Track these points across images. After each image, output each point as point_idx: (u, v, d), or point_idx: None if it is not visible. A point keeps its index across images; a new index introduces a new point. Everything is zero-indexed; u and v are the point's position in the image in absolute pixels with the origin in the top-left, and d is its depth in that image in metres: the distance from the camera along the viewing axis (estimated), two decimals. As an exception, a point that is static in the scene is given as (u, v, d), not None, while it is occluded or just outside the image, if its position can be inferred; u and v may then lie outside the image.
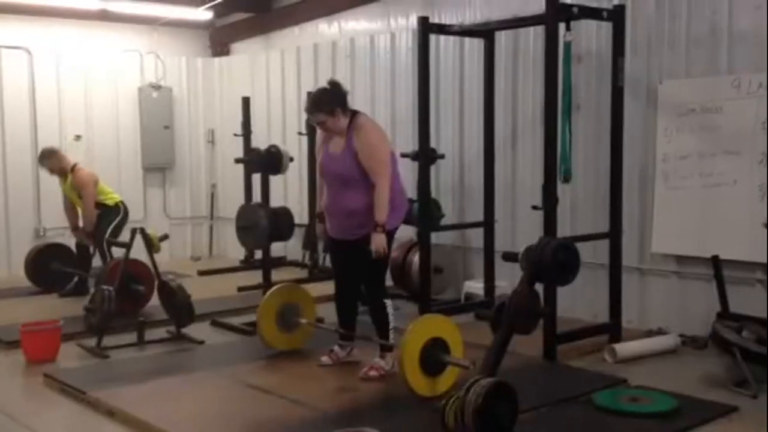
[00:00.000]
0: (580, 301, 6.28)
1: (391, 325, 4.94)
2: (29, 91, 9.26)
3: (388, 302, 4.96)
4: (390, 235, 4.86)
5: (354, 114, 4.85)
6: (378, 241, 4.68)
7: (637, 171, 6.03)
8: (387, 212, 4.70)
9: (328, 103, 4.77)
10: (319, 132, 5.08)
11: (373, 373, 4.84)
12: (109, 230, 7.38)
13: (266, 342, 5.45)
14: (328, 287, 5.64)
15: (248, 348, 5.88)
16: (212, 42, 10.87)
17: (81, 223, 7.64)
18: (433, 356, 4.41)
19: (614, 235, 5.65)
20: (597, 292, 6.05)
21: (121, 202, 7.68)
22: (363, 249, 4.73)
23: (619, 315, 5.69)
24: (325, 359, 5.15)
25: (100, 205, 7.49)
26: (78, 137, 9.58)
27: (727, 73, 5.56)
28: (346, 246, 4.94)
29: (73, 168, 7.52)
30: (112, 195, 7.66)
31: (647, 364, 5.20)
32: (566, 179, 5.34)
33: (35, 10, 9.01)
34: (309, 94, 5.17)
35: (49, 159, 7.60)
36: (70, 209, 7.72)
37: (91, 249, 7.55)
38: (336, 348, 5.18)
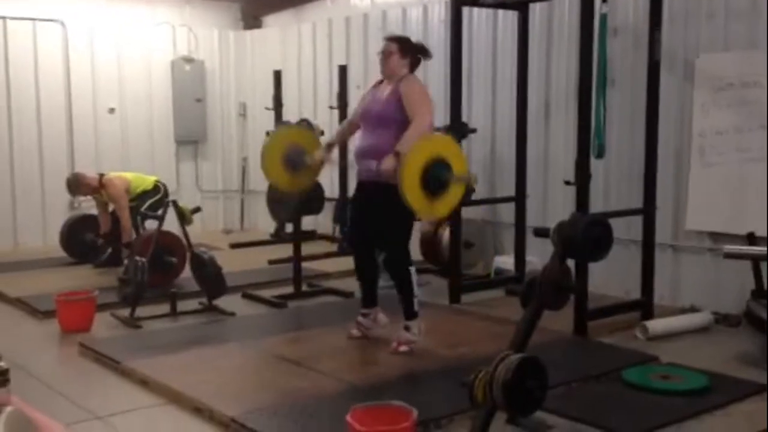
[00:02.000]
0: (612, 277, 6.23)
1: (416, 292, 4.92)
2: (63, 63, 9.34)
3: (412, 269, 4.92)
4: None
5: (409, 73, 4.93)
6: (388, 162, 4.60)
7: (673, 147, 5.94)
8: (410, 147, 4.59)
9: (408, 45, 4.96)
10: (365, 93, 5.16)
11: (403, 348, 4.84)
12: (146, 205, 7.45)
13: (273, 182, 5.43)
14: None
15: (278, 320, 5.94)
16: (244, 15, 10.85)
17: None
18: (435, 175, 4.41)
19: (648, 211, 5.59)
20: (629, 268, 5.99)
21: (158, 181, 7.75)
22: (388, 201, 4.65)
23: (652, 292, 5.64)
24: (354, 332, 5.16)
25: (142, 194, 7.55)
26: (112, 110, 9.67)
27: (767, 46, 5.44)
28: (371, 196, 4.87)
29: (101, 181, 7.52)
30: (148, 180, 7.71)
31: (679, 342, 5.15)
32: (600, 155, 5.28)
33: (69, -17, 9.06)
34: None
35: (78, 186, 7.62)
36: (104, 216, 7.76)
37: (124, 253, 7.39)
38: (360, 318, 5.17)
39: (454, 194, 4.56)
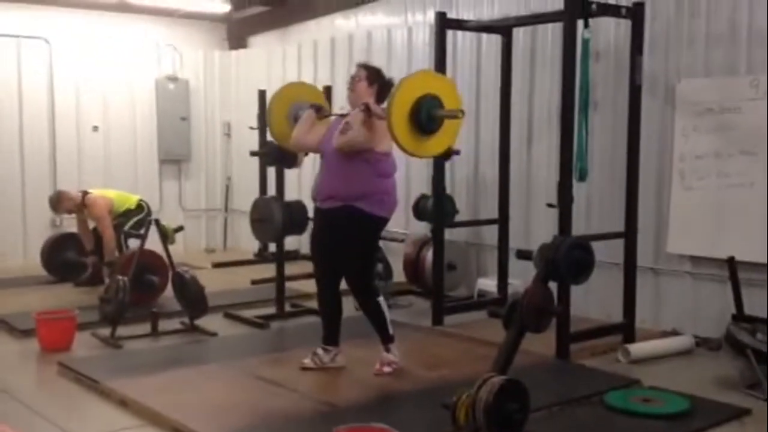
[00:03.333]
0: (593, 300, 6.26)
1: (388, 317, 4.86)
2: (47, 80, 9.33)
3: (381, 299, 4.85)
4: (376, 224, 4.76)
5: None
6: (357, 115, 4.55)
7: (654, 170, 5.99)
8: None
9: (377, 75, 4.89)
10: (330, 121, 5.05)
11: (386, 369, 4.82)
12: (130, 224, 7.42)
13: (277, 138, 5.29)
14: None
15: (260, 341, 5.91)
16: (229, 35, 10.90)
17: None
18: (425, 110, 4.22)
19: (629, 234, 5.63)
20: (611, 291, 6.02)
21: (142, 200, 7.73)
22: (350, 226, 4.62)
23: (633, 315, 5.66)
24: (307, 362, 4.93)
25: (125, 213, 7.52)
26: (95, 128, 9.65)
27: (746, 73, 5.51)
28: (332, 223, 4.75)
29: (84, 199, 7.47)
30: (131, 199, 7.69)
31: (661, 365, 5.17)
32: (582, 178, 5.32)
33: (54, 1, 9.05)
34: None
35: (60, 203, 7.57)
36: (85, 232, 7.72)
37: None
38: (320, 351, 4.94)
39: (447, 132, 4.37)
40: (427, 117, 4.24)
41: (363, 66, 4.97)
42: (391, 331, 4.87)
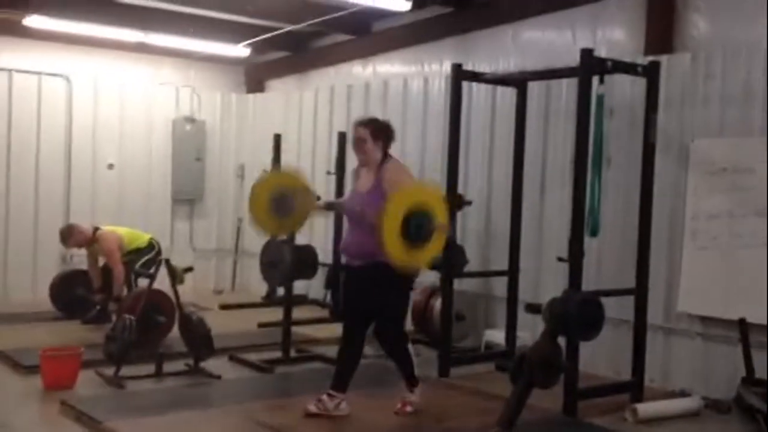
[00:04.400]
0: (602, 356, 6.19)
1: (415, 360, 4.94)
2: (66, 117, 9.44)
3: (409, 345, 4.95)
4: (408, 277, 4.83)
5: (387, 156, 4.89)
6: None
7: (666, 228, 5.97)
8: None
9: (379, 128, 4.88)
10: (352, 170, 5.13)
11: (408, 408, 4.88)
12: (140, 263, 7.44)
13: (259, 227, 5.22)
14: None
15: (264, 385, 5.86)
16: (247, 78, 11.03)
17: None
18: (416, 223, 4.32)
19: (640, 291, 5.58)
20: (620, 348, 5.95)
21: (152, 238, 7.76)
22: (381, 279, 4.64)
23: (642, 374, 5.59)
24: (311, 408, 4.84)
25: (136, 250, 7.54)
26: (111, 166, 9.72)
27: (760, 134, 5.52)
28: (362, 277, 4.81)
29: (95, 234, 7.53)
30: (142, 237, 7.73)
31: (669, 426, 5.09)
32: (594, 233, 5.30)
33: (76, 39, 9.20)
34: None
35: (71, 236, 7.63)
36: (95, 269, 7.76)
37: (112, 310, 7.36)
38: (325, 398, 4.85)
39: (435, 243, 4.49)
40: (417, 232, 4.35)
41: (362, 124, 4.91)
42: (416, 373, 4.94)
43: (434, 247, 4.52)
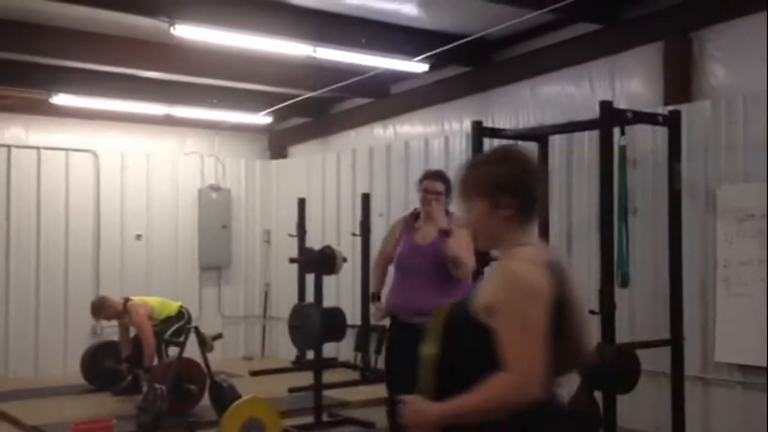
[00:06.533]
0: (640, 410, 6.05)
1: None
2: (94, 191, 9.58)
3: None
4: None
5: (449, 212, 4.82)
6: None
7: (698, 276, 5.89)
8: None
9: (449, 183, 4.74)
10: (396, 224, 5.05)
11: None
12: (170, 331, 7.44)
13: None
14: (379, 390, 5.55)
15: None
16: (271, 145, 11.18)
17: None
18: None
19: (675, 342, 5.47)
20: (658, 401, 5.83)
21: (182, 306, 7.79)
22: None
23: (683, 427, 5.44)
24: None
25: (166, 319, 7.58)
26: (138, 236, 9.82)
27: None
28: (415, 336, 4.71)
29: (125, 305, 7.59)
30: (172, 306, 7.76)
31: (714, 480, 4.94)
32: (624, 284, 5.24)
33: (101, 115, 9.41)
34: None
35: (103, 309, 7.70)
36: (125, 339, 7.81)
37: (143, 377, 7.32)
38: None
39: None
40: None
41: (437, 178, 4.80)
42: None
43: None
